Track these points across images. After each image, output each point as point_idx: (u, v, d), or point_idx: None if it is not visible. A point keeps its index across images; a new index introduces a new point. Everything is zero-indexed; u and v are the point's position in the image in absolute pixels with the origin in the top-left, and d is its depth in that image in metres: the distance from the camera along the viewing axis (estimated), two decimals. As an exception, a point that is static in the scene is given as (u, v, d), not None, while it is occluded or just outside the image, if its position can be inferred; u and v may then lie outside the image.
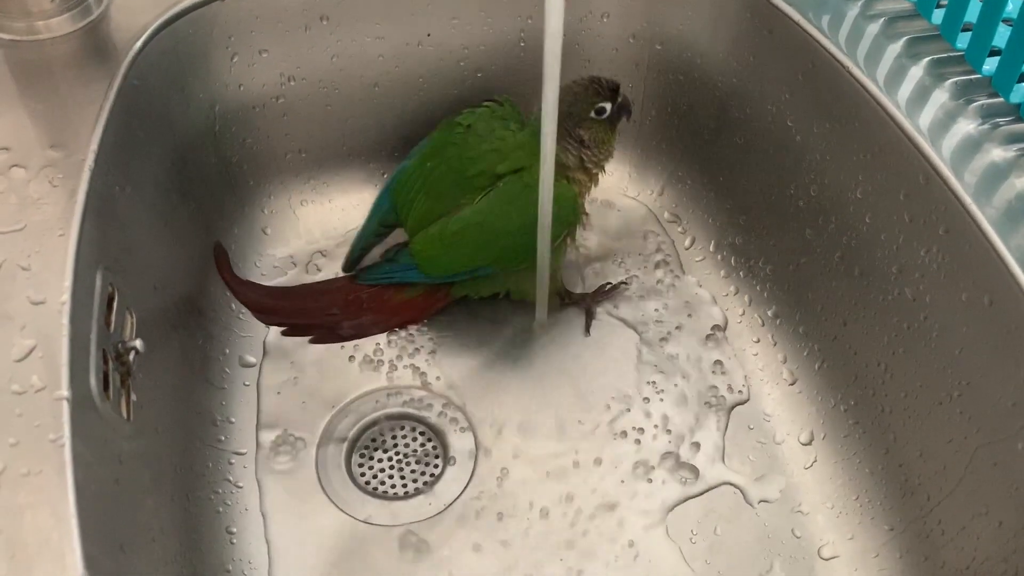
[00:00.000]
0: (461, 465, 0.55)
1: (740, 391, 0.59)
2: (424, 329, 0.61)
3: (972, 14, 0.51)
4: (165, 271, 0.54)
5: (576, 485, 0.55)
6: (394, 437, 0.57)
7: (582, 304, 0.62)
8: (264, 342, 0.60)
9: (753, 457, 0.56)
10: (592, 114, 0.56)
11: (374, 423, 0.57)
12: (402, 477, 0.55)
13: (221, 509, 0.52)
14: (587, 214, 0.59)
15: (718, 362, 0.60)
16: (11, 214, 0.43)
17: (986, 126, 0.49)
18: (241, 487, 0.54)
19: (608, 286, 0.63)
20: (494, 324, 0.62)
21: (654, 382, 0.59)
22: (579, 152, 0.57)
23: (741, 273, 0.63)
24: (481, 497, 0.54)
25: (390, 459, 0.56)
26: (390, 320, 0.61)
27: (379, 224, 0.61)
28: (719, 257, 0.65)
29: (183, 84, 0.57)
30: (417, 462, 0.56)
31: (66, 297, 0.40)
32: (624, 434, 0.57)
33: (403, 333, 0.61)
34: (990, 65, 0.51)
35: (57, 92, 0.49)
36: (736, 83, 0.61)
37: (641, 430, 0.57)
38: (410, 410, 0.58)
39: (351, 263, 0.63)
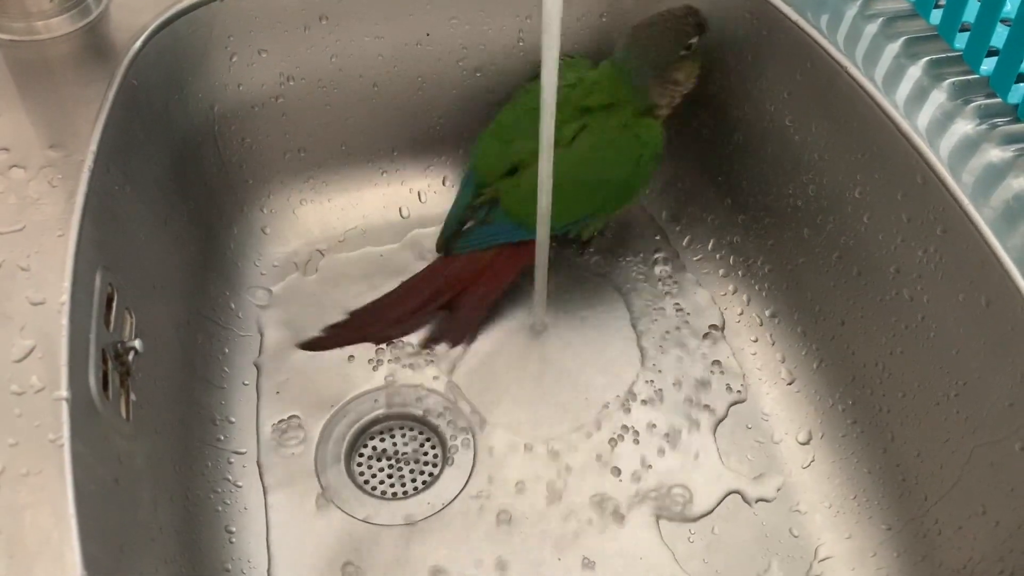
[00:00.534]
0: (460, 465, 0.55)
1: (738, 390, 0.59)
2: (422, 329, 0.61)
3: (970, 14, 0.51)
4: (164, 271, 0.54)
5: (574, 484, 0.55)
6: (393, 436, 0.57)
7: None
8: (264, 341, 0.60)
9: (751, 456, 0.56)
10: (682, 52, 0.57)
11: (373, 423, 0.57)
12: (401, 476, 0.55)
13: (220, 508, 0.52)
14: None
15: (716, 361, 0.60)
16: (11, 214, 0.43)
17: (984, 126, 0.49)
18: (240, 486, 0.54)
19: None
20: (493, 323, 0.62)
21: (652, 381, 0.59)
22: (672, 90, 0.58)
23: (740, 272, 0.64)
24: (480, 496, 0.54)
25: (389, 458, 0.56)
26: (499, 281, 0.60)
27: (472, 197, 0.61)
28: (718, 256, 0.65)
29: (182, 84, 0.57)
30: (416, 461, 0.56)
31: (65, 297, 0.40)
32: (622, 433, 0.57)
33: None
34: (988, 65, 0.51)
35: (56, 92, 0.49)
36: (735, 82, 0.61)
37: (639, 429, 0.57)
38: (409, 410, 0.58)
39: (446, 243, 0.62)
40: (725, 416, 0.58)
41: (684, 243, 0.66)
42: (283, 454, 0.55)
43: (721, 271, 0.64)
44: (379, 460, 0.56)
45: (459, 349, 0.60)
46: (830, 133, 0.54)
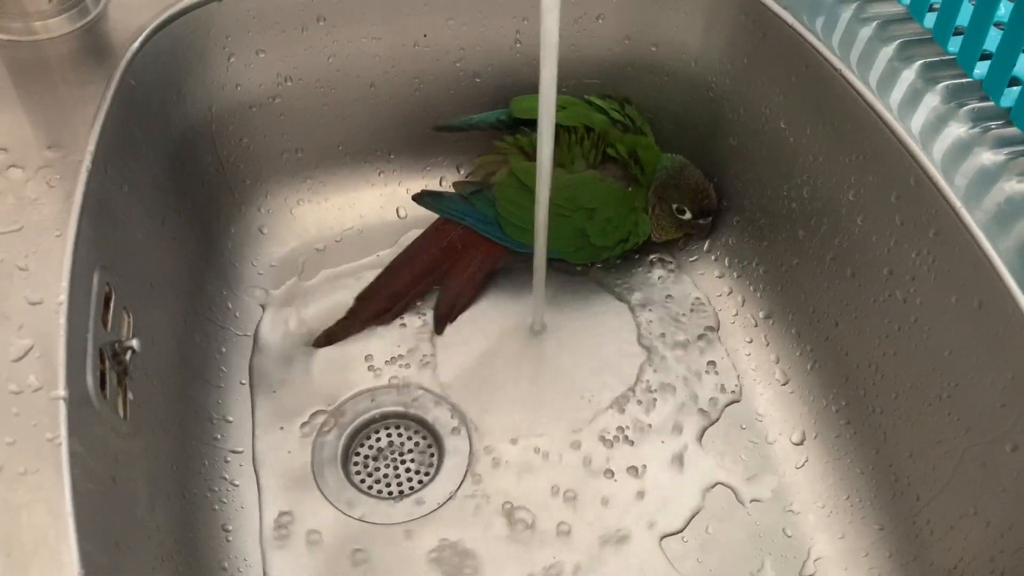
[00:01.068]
0: (456, 464, 0.56)
1: (733, 391, 0.59)
2: (419, 328, 0.62)
3: (964, 18, 0.52)
4: (161, 270, 0.54)
5: (569, 484, 0.55)
6: (389, 436, 0.57)
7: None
8: (260, 341, 0.60)
9: (745, 456, 0.57)
10: (673, 205, 0.61)
11: (369, 422, 0.58)
12: (397, 476, 0.56)
13: (217, 507, 0.52)
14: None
15: (711, 362, 0.60)
16: (8, 214, 0.43)
17: (977, 129, 0.49)
18: (237, 485, 0.54)
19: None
20: (490, 324, 0.62)
21: (648, 382, 0.59)
22: (647, 208, 0.62)
23: (735, 274, 0.64)
24: (475, 496, 0.54)
25: (385, 458, 0.56)
26: (488, 259, 0.62)
27: (497, 120, 0.63)
28: (713, 258, 0.65)
29: (180, 84, 0.57)
30: (412, 461, 0.56)
31: (63, 297, 0.40)
32: (618, 434, 0.57)
33: (397, 331, 0.61)
34: (981, 69, 0.51)
35: (54, 92, 0.49)
36: (730, 85, 0.61)
37: (634, 430, 0.57)
38: (405, 409, 0.58)
39: (443, 126, 0.65)
40: (720, 417, 0.58)
41: (680, 244, 0.67)
42: (280, 453, 0.56)
43: (716, 272, 0.65)
44: (375, 459, 0.56)
45: (457, 350, 0.61)
46: (825, 135, 0.55)
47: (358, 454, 0.56)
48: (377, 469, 0.56)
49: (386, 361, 0.60)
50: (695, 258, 0.66)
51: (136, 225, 0.52)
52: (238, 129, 0.62)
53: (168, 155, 0.57)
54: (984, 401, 0.44)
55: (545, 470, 0.56)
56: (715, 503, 0.54)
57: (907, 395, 0.50)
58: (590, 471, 0.56)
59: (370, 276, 0.63)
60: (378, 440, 0.57)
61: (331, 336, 0.61)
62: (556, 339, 0.62)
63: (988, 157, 0.48)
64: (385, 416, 0.58)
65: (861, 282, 0.53)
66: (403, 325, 0.62)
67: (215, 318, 0.60)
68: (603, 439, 0.57)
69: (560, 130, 0.59)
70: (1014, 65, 0.48)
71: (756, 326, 0.62)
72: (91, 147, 0.46)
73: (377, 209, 0.68)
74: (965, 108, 0.50)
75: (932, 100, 0.51)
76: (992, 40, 0.50)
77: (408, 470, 0.56)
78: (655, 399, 0.59)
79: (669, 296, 0.64)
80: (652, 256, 0.66)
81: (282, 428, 0.57)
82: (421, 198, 0.62)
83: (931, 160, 0.47)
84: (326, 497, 0.54)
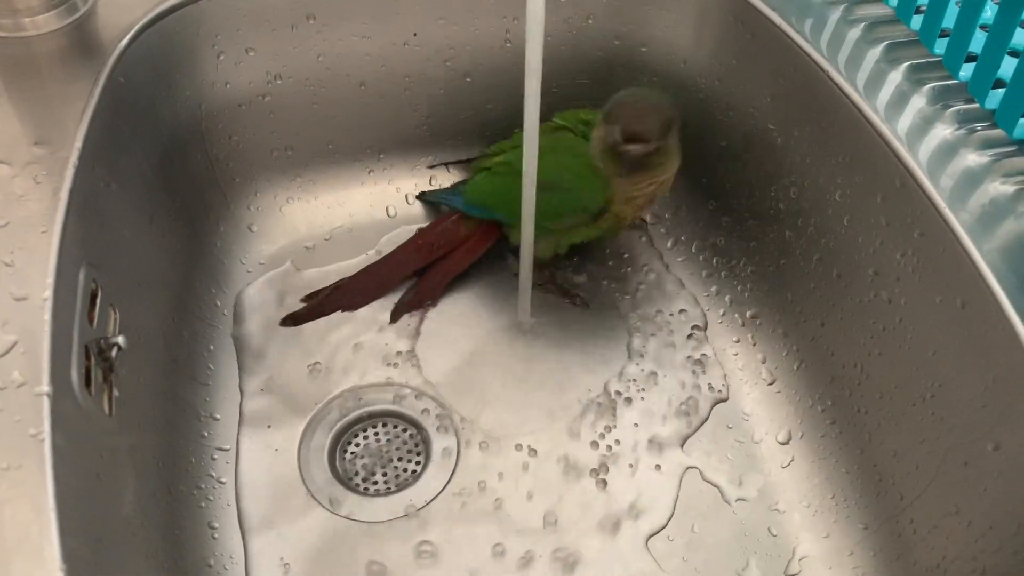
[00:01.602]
0: (443, 462, 0.56)
1: (720, 390, 0.59)
2: (407, 326, 0.62)
3: (950, 20, 0.52)
4: (150, 268, 0.54)
5: (556, 481, 0.55)
6: (376, 434, 0.57)
7: (548, 286, 0.64)
8: (248, 339, 0.61)
9: (731, 456, 0.57)
10: (612, 137, 0.53)
11: (357, 420, 0.58)
12: (384, 473, 0.56)
13: (203, 504, 0.53)
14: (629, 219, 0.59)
15: (698, 361, 0.61)
16: (-6, 210, 0.43)
17: (962, 131, 0.49)
18: (224, 483, 0.54)
19: (574, 298, 0.64)
20: (477, 322, 0.62)
21: (635, 380, 0.60)
22: (594, 149, 0.56)
23: (723, 274, 0.64)
24: (462, 493, 0.55)
25: (372, 455, 0.56)
26: (468, 256, 0.63)
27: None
28: (701, 258, 0.65)
29: (169, 82, 0.57)
30: (399, 459, 0.56)
31: (48, 293, 0.40)
32: (605, 432, 0.57)
33: (385, 329, 0.61)
34: (967, 71, 0.51)
35: (43, 89, 0.49)
36: (719, 86, 0.61)
37: (622, 428, 0.57)
38: (393, 407, 0.58)
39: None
40: (707, 416, 0.58)
41: (668, 244, 0.67)
42: (267, 450, 0.56)
43: (704, 272, 0.65)
44: (362, 457, 0.56)
45: (444, 348, 0.61)
46: (812, 137, 0.55)
47: (345, 452, 0.57)
48: (364, 467, 0.56)
49: (374, 359, 0.60)
50: (683, 257, 0.66)
51: (124, 222, 0.52)
52: (228, 127, 0.62)
53: (157, 152, 0.57)
54: (967, 401, 0.45)
55: (532, 467, 0.56)
56: (701, 502, 0.55)
57: (892, 395, 0.50)
58: (577, 469, 0.56)
59: (359, 274, 0.63)
60: (365, 438, 0.57)
61: (299, 317, 0.62)
62: (543, 337, 0.62)
63: (973, 159, 0.48)
64: (372, 414, 0.58)
65: (847, 282, 0.53)
66: (391, 323, 0.62)
67: (203, 315, 0.60)
68: (589, 437, 0.57)
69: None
70: (999, 67, 0.49)
71: (743, 326, 0.62)
72: (78, 144, 0.46)
73: (367, 208, 0.68)
74: (951, 110, 0.50)
75: (918, 102, 0.51)
76: (977, 42, 0.51)
77: (395, 468, 0.56)
78: (642, 398, 0.59)
79: (657, 295, 0.64)
80: (640, 255, 0.66)
81: (269, 426, 0.57)
82: (422, 194, 0.67)
83: (916, 161, 0.48)
84: (312, 495, 0.54)
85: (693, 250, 0.66)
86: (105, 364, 0.44)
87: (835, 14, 0.56)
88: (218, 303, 0.61)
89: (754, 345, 0.61)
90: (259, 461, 0.55)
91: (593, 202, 0.57)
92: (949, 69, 0.52)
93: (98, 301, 0.45)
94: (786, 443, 0.57)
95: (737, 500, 0.55)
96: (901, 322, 0.49)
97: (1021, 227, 0.45)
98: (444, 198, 0.65)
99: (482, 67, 0.65)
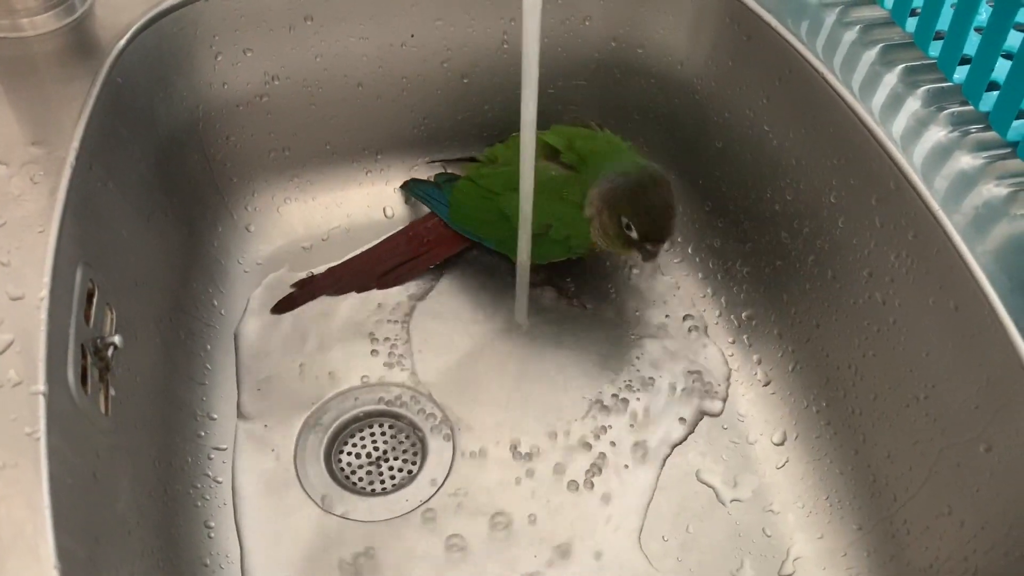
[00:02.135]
0: (439, 462, 0.56)
1: (715, 392, 0.60)
2: (404, 325, 0.62)
3: (945, 23, 0.52)
4: (146, 267, 0.54)
5: (551, 482, 0.55)
6: (372, 434, 0.58)
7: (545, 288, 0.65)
8: (245, 339, 0.61)
9: (726, 457, 0.57)
10: (623, 219, 0.54)
11: (353, 420, 0.58)
12: (380, 473, 0.56)
13: (200, 504, 0.53)
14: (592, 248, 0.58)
15: (694, 362, 0.61)
16: (-9, 210, 0.43)
17: (956, 133, 0.49)
18: (220, 482, 0.54)
19: (571, 300, 0.64)
20: (474, 323, 0.63)
21: (630, 382, 0.60)
22: (593, 217, 0.56)
23: (719, 275, 0.64)
24: (458, 494, 0.55)
25: (368, 455, 0.57)
26: (442, 250, 0.64)
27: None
28: (697, 259, 0.65)
29: (167, 82, 0.57)
30: (395, 459, 0.57)
31: (45, 292, 0.40)
32: (600, 434, 0.57)
33: (381, 329, 0.62)
34: (961, 73, 0.51)
35: (40, 89, 0.50)
36: (715, 88, 0.62)
37: (618, 430, 0.58)
38: (388, 408, 0.58)
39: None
40: (702, 418, 0.59)
41: (664, 246, 0.67)
42: (263, 450, 0.56)
43: (700, 274, 0.65)
44: (358, 457, 0.57)
45: (441, 348, 0.61)
46: (807, 139, 0.55)
47: (341, 452, 0.57)
48: (360, 467, 0.56)
49: (370, 360, 0.60)
50: (679, 259, 0.66)
51: (121, 222, 0.52)
52: (225, 127, 0.62)
53: (154, 153, 0.57)
54: (960, 402, 0.45)
55: (527, 468, 0.56)
56: (696, 502, 0.55)
57: (885, 396, 0.50)
58: (572, 470, 0.56)
59: (356, 275, 0.63)
60: (361, 438, 0.57)
61: (289, 303, 0.62)
62: (539, 339, 0.62)
63: (967, 161, 0.48)
64: (368, 415, 0.58)
65: (842, 284, 0.54)
66: (389, 324, 0.62)
67: (200, 316, 0.60)
68: (585, 438, 0.57)
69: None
70: (992, 70, 0.49)
71: (739, 327, 0.62)
72: (76, 144, 0.47)
73: (364, 208, 0.68)
74: (945, 112, 0.50)
75: (913, 104, 0.51)
76: (972, 45, 0.51)
77: (391, 468, 0.56)
78: (638, 398, 0.59)
79: (652, 296, 0.64)
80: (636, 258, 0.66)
81: (266, 426, 0.57)
82: (405, 185, 0.67)
83: (911, 163, 0.48)
84: (308, 495, 0.54)
85: (689, 251, 0.66)
86: (101, 363, 0.44)
87: (830, 17, 0.56)
88: (215, 303, 0.62)
89: (750, 346, 0.61)
90: (255, 461, 0.55)
91: (581, 247, 0.58)
92: (943, 71, 0.52)
93: (95, 300, 0.45)
94: (781, 444, 0.57)
95: (732, 501, 0.55)
96: (895, 323, 0.50)
97: (1014, 229, 0.45)
98: (429, 199, 0.64)
99: (479, 68, 0.65)
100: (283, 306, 0.62)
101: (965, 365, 0.44)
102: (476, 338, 0.62)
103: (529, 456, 0.56)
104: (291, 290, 0.63)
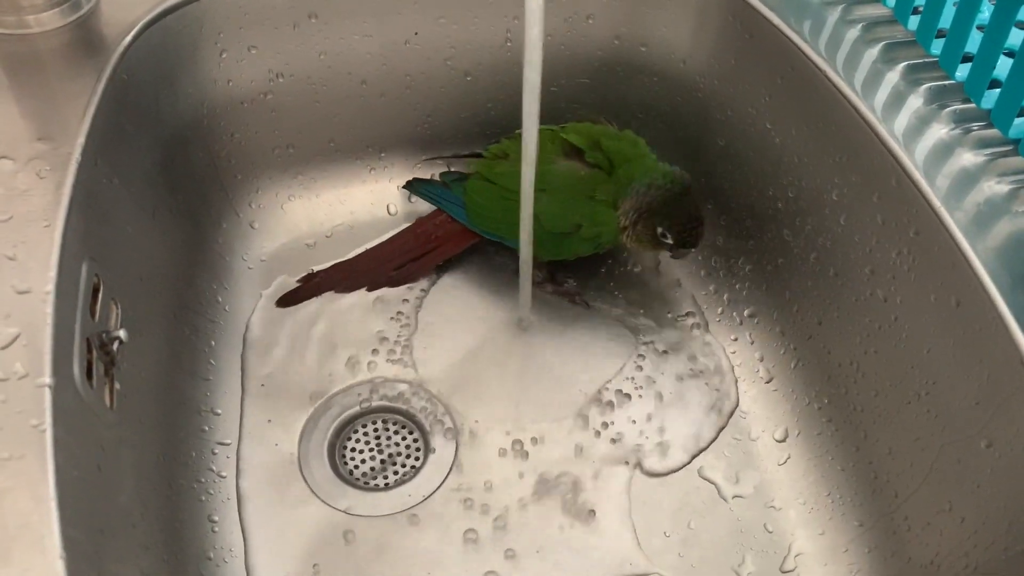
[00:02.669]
0: (442, 458, 0.56)
1: (717, 388, 0.60)
2: (407, 322, 0.62)
3: (947, 20, 0.52)
4: (151, 263, 0.54)
5: (554, 477, 0.55)
6: (376, 429, 0.58)
7: (547, 286, 0.65)
8: (249, 335, 0.61)
9: (728, 453, 0.57)
10: (659, 229, 0.57)
11: (356, 416, 0.58)
12: (383, 469, 0.56)
13: (204, 498, 0.53)
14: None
15: (696, 359, 0.61)
16: (-2, 205, 0.43)
17: (958, 131, 0.49)
18: (224, 477, 0.55)
19: (573, 297, 0.65)
20: (477, 319, 0.63)
21: (633, 378, 0.60)
22: (627, 226, 0.58)
23: (721, 272, 0.64)
24: (460, 489, 0.55)
25: (371, 451, 0.57)
26: (453, 246, 0.64)
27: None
28: (699, 256, 0.66)
29: (172, 79, 0.58)
30: (398, 454, 0.57)
31: (51, 287, 0.40)
32: (602, 430, 0.58)
33: (385, 325, 0.62)
34: (963, 71, 0.52)
35: (46, 86, 0.50)
36: (718, 85, 0.62)
37: (620, 426, 0.58)
38: (391, 403, 0.58)
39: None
40: (705, 414, 0.59)
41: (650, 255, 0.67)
42: (267, 445, 0.56)
43: (703, 271, 0.65)
44: (361, 453, 0.57)
45: (444, 345, 0.61)
46: (809, 136, 0.55)
47: (345, 447, 0.57)
48: (363, 462, 0.56)
49: (373, 356, 0.60)
50: (681, 256, 0.66)
51: (126, 218, 0.52)
52: (229, 124, 0.62)
53: (159, 149, 0.57)
54: (960, 399, 0.45)
55: (530, 464, 0.56)
56: (697, 498, 0.55)
57: (887, 393, 0.51)
58: (574, 465, 0.56)
59: (359, 271, 0.64)
60: (365, 433, 0.58)
61: (295, 296, 0.63)
62: (542, 335, 0.62)
63: (969, 158, 0.48)
64: (372, 410, 0.58)
65: (844, 281, 0.54)
66: (393, 320, 0.62)
67: (205, 311, 0.60)
68: (587, 434, 0.57)
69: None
70: (994, 67, 0.49)
71: (741, 324, 0.62)
72: (81, 140, 0.47)
73: (368, 205, 0.68)
74: (947, 110, 0.51)
75: (915, 102, 0.51)
76: (974, 42, 0.51)
77: (394, 463, 0.56)
78: (640, 395, 0.59)
79: (655, 293, 0.65)
80: (638, 253, 0.67)
81: (270, 421, 0.57)
82: (409, 184, 0.66)
83: (912, 161, 0.48)
84: (312, 489, 0.54)
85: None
86: (107, 357, 0.44)
87: (833, 14, 0.56)
88: (219, 299, 0.62)
89: (752, 343, 0.61)
90: (259, 456, 0.56)
91: (609, 240, 0.59)
92: (946, 69, 0.52)
93: (100, 295, 0.45)
94: (783, 440, 0.57)
95: (734, 497, 0.55)
96: (896, 320, 0.50)
97: (1015, 226, 0.45)
98: (439, 199, 0.64)
99: (483, 66, 0.65)
100: (288, 300, 0.62)
101: (966, 362, 0.45)
102: (479, 334, 0.62)
103: (531, 451, 0.57)
104: (296, 284, 0.63)
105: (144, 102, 0.55)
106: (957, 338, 0.45)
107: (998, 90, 0.49)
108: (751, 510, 0.55)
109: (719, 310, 0.63)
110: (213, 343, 0.60)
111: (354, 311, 0.63)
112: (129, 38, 0.53)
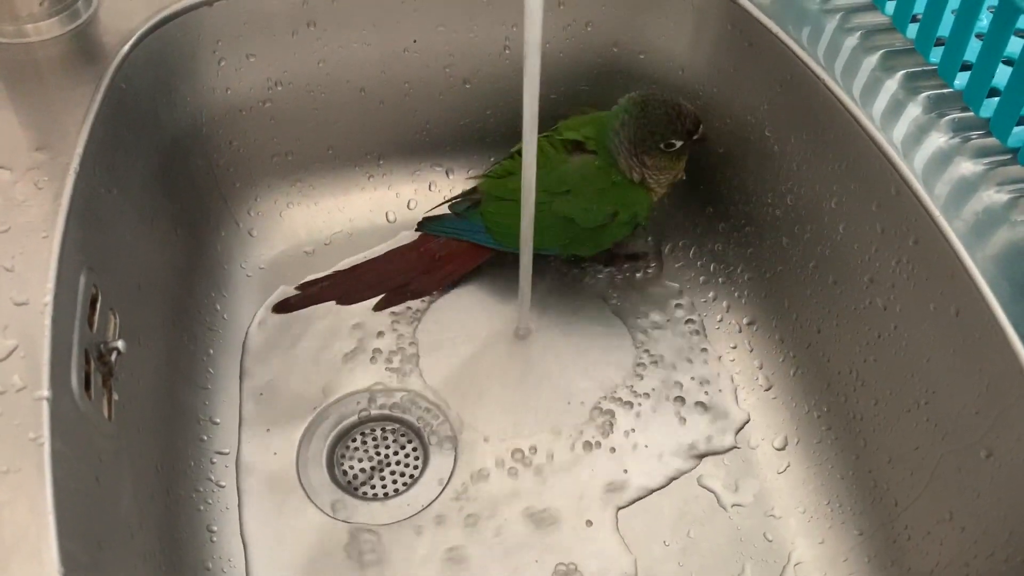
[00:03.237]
0: (441, 467, 0.56)
1: (716, 396, 0.60)
2: (406, 330, 0.62)
3: (945, 29, 0.52)
4: (149, 272, 0.54)
5: (553, 486, 0.55)
6: (375, 438, 0.58)
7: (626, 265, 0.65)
8: (248, 343, 0.61)
9: (727, 461, 0.57)
10: (662, 146, 0.57)
11: (355, 425, 0.58)
12: (382, 478, 0.56)
13: (202, 507, 0.53)
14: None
15: (695, 367, 0.61)
16: (-4, 216, 0.43)
17: (957, 140, 0.49)
18: (223, 486, 0.54)
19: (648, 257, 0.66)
20: (477, 328, 0.63)
21: (632, 386, 0.60)
22: (642, 172, 0.58)
23: (720, 280, 0.64)
24: (459, 499, 0.55)
25: (370, 460, 0.57)
26: (463, 267, 0.64)
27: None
28: (699, 263, 0.66)
29: (170, 87, 0.58)
30: (397, 463, 0.57)
31: (49, 298, 0.40)
32: (602, 439, 0.58)
33: (384, 334, 0.62)
34: (961, 80, 0.52)
35: (44, 95, 0.50)
36: (717, 93, 0.62)
37: (620, 434, 0.58)
38: (390, 412, 0.58)
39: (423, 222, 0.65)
40: (704, 422, 0.59)
41: (666, 250, 0.67)
42: (266, 455, 0.56)
43: (702, 278, 0.65)
44: (360, 462, 0.57)
45: (443, 353, 0.61)
46: (808, 144, 0.55)
47: (343, 456, 0.57)
48: (362, 471, 0.56)
49: (372, 364, 0.60)
50: (680, 263, 0.66)
51: (124, 227, 0.52)
52: (228, 132, 0.62)
53: (158, 158, 0.57)
54: (960, 408, 0.45)
55: (529, 473, 0.56)
56: (697, 507, 0.55)
57: (886, 401, 0.50)
58: (574, 474, 0.56)
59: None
60: (363, 443, 0.58)
61: (289, 305, 0.63)
62: (542, 343, 0.62)
63: (967, 167, 0.48)
64: (371, 419, 0.58)
65: (843, 289, 0.54)
66: (392, 329, 0.62)
67: (203, 320, 0.60)
68: (587, 442, 0.57)
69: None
70: (993, 76, 0.49)
71: (740, 332, 0.62)
72: (79, 149, 0.47)
73: (366, 213, 0.68)
74: (946, 118, 0.51)
75: (913, 110, 0.51)
76: (972, 51, 0.51)
77: (393, 472, 0.56)
78: (640, 403, 0.59)
79: (654, 301, 0.64)
80: (637, 261, 0.67)
81: (268, 430, 0.57)
82: (422, 225, 0.65)
83: (911, 169, 0.48)
84: (310, 499, 0.54)
85: (690, 256, 0.66)
86: (105, 368, 0.44)
87: (832, 22, 0.56)
88: (218, 307, 0.62)
89: (751, 351, 0.61)
90: (258, 465, 0.55)
91: (644, 214, 0.60)
92: (944, 78, 0.52)
93: (98, 305, 0.45)
94: (782, 449, 0.57)
95: (733, 506, 0.55)
96: (896, 329, 0.50)
97: (1015, 235, 0.45)
98: (460, 232, 0.63)
99: (481, 74, 0.65)
100: (286, 306, 0.62)
101: (966, 370, 0.44)
102: (478, 343, 0.62)
103: (531, 460, 0.56)
104: (295, 292, 0.63)
105: (143, 111, 0.55)
106: (957, 347, 0.45)
107: (997, 99, 0.49)
108: (750, 519, 0.55)
109: (718, 318, 0.63)
110: (212, 351, 0.60)
111: (354, 319, 0.63)
112: (127, 47, 0.53)
